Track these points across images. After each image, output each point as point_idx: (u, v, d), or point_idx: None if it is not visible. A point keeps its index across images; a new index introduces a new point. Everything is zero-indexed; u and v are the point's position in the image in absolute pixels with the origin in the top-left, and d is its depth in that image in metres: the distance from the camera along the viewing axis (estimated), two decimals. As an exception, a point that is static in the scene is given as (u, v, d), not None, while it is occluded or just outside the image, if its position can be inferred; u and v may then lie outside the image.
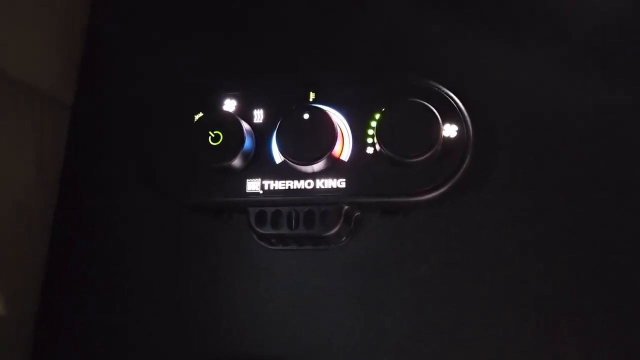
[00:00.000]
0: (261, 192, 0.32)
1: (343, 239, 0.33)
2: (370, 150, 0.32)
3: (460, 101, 0.31)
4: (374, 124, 0.31)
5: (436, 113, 0.30)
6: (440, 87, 0.32)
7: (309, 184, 0.32)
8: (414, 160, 0.29)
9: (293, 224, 0.32)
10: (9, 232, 0.35)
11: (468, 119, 0.31)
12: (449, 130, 0.31)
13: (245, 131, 0.32)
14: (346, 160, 0.32)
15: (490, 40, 0.34)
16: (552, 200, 0.31)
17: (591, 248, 0.30)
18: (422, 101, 0.30)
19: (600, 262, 0.30)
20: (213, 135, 0.31)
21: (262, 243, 0.34)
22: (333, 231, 0.32)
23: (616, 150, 0.31)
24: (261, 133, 0.33)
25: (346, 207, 0.32)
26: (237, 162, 0.32)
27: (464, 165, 0.30)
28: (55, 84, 0.38)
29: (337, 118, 0.32)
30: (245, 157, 0.32)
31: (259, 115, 0.34)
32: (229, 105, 0.34)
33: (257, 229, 0.32)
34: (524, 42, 0.33)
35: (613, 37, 0.32)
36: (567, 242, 0.30)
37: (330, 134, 0.30)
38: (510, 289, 0.30)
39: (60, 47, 0.39)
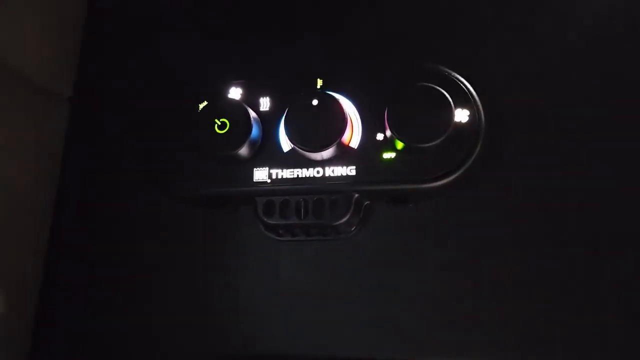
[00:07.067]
0: (269, 181, 0.32)
1: (352, 229, 0.32)
2: (380, 136, 0.31)
3: (471, 85, 0.31)
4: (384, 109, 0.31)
5: (448, 97, 0.29)
6: (451, 71, 0.31)
7: (317, 172, 0.31)
8: (426, 146, 0.29)
9: (302, 213, 0.31)
10: (7, 229, 0.34)
11: (479, 103, 0.30)
12: (460, 115, 0.30)
13: (252, 119, 0.31)
14: (356, 147, 0.31)
15: (502, 24, 0.33)
16: (566, 184, 0.30)
17: (607, 233, 0.29)
18: (433, 85, 0.29)
19: (616, 245, 0.29)
20: (219, 123, 0.31)
21: (269, 234, 0.33)
22: (343, 220, 0.31)
23: (629, 135, 0.30)
24: (268, 121, 0.32)
25: (356, 195, 0.31)
26: (244, 151, 0.31)
27: (476, 151, 0.30)
28: (53, 76, 0.37)
29: (346, 104, 0.31)
30: (252, 145, 0.31)
31: (265, 103, 0.33)
32: (235, 93, 0.33)
33: (265, 220, 0.32)
34: (535, 26, 0.33)
35: (621, 25, 0.32)
36: (582, 228, 0.30)
37: (339, 121, 0.30)
38: (525, 279, 0.30)
39: (58, 38, 0.38)
